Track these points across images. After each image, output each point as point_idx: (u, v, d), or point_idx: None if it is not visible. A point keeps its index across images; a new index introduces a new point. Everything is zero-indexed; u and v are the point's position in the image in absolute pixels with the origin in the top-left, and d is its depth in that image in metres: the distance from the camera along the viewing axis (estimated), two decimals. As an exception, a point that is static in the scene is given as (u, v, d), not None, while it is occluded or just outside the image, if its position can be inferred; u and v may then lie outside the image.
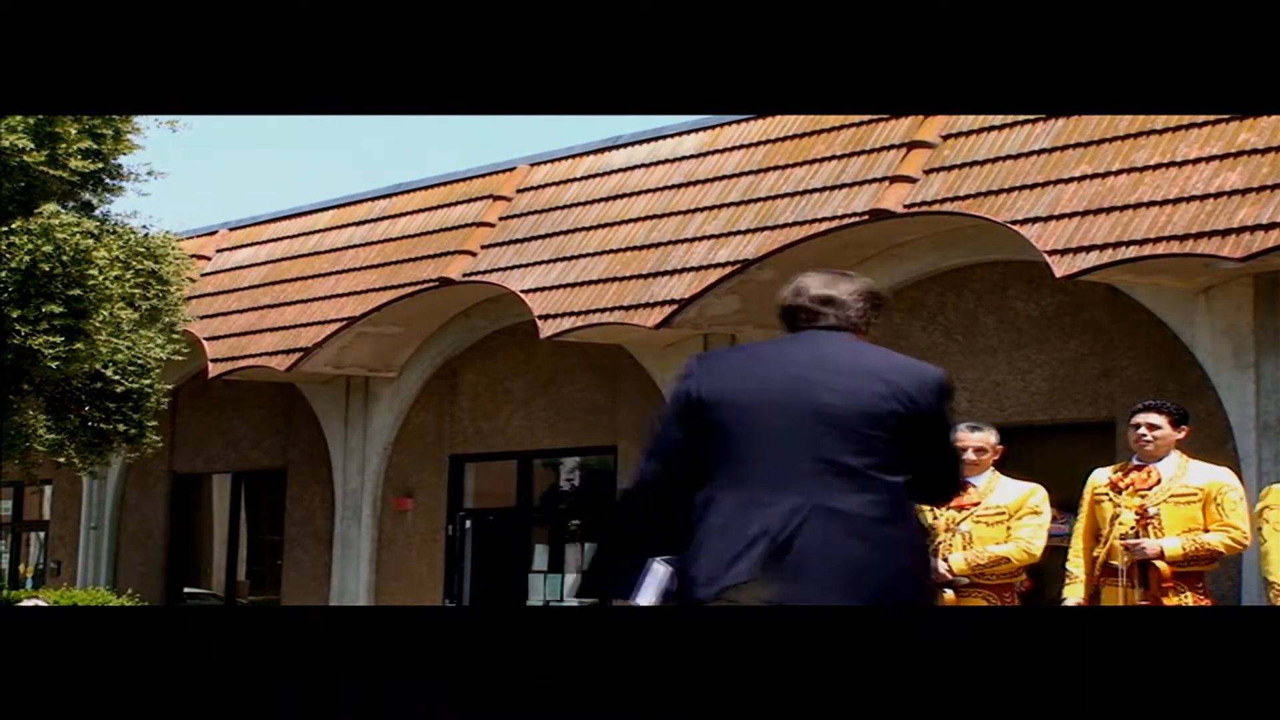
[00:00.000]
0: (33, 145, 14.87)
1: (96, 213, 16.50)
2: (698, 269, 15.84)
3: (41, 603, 17.46)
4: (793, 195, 15.69)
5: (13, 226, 15.06)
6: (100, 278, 15.00)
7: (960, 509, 8.63)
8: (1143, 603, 8.66)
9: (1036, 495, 9.19)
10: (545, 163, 18.93)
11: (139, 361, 16.67)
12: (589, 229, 17.46)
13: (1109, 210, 13.11)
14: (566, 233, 17.66)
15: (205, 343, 20.27)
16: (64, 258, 14.89)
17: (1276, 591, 8.78)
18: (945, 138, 14.84)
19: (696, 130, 17.34)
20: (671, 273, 16.09)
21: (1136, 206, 12.98)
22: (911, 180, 14.81)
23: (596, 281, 16.78)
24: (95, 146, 15.58)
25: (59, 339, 14.88)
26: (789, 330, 5.09)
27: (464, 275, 18.42)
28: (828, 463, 4.83)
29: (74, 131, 15.19)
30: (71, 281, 14.97)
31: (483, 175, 19.57)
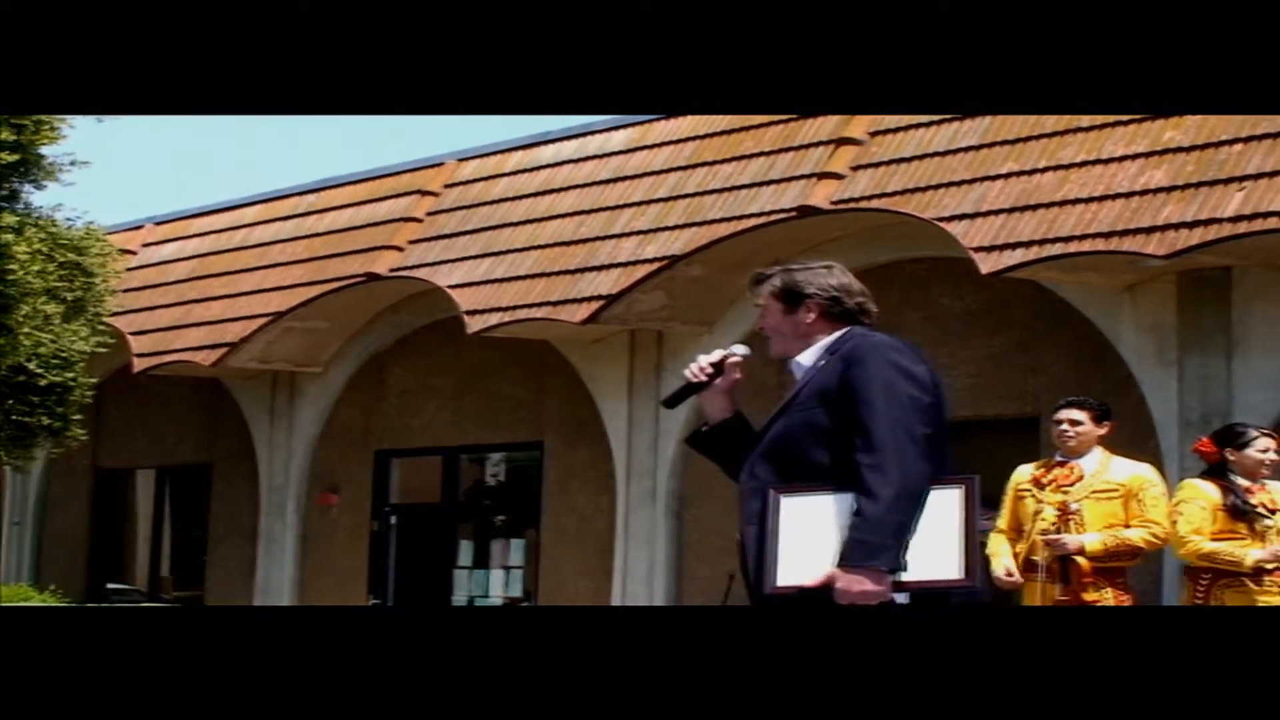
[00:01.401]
0: (-55, 137, 14.68)
1: (19, 206, 16.30)
2: (625, 265, 15.83)
3: (-37, 600, 17.27)
4: (720, 191, 15.71)
5: (-70, 222, 14.87)
6: (21, 272, 14.84)
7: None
8: (1063, 599, 8.73)
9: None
10: (473, 158, 18.87)
11: (62, 355, 16.50)
12: (517, 224, 17.42)
13: (1035, 208, 13.19)
14: (494, 228, 17.62)
15: (130, 338, 20.11)
16: (-18, 253, 14.72)
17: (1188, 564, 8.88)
18: (873, 134, 14.89)
19: (625, 126, 17.31)
20: (599, 268, 16.07)
21: (1062, 204, 13.06)
22: (839, 177, 14.85)
23: (524, 277, 16.75)
24: (14, 138, 15.37)
25: (-22, 334, 14.72)
26: (835, 323, 5.14)
27: (391, 271, 18.36)
28: None
29: (-13, 123, 14.97)
30: (-9, 276, 14.80)
31: (410, 170, 19.48)
